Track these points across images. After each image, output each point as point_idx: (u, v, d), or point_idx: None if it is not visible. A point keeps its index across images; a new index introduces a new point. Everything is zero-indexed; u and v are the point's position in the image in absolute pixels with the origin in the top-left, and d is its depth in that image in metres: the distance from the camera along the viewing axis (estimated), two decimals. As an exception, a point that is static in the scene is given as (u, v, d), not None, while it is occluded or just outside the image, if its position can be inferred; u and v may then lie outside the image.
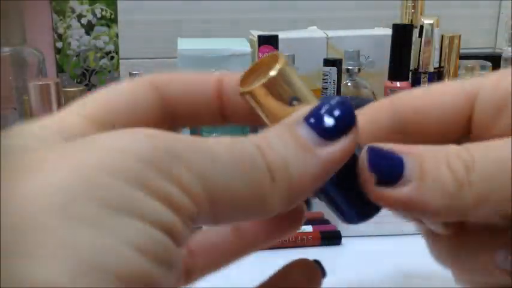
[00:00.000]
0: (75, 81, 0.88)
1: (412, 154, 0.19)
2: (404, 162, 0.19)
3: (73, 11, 0.90)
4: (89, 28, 0.91)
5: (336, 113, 0.18)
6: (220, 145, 0.16)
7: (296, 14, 1.01)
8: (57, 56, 0.90)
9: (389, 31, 0.74)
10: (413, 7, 0.77)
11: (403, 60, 0.73)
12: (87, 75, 0.89)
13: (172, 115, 0.22)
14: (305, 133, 0.18)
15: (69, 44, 0.90)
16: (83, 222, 0.13)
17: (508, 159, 0.18)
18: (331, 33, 0.75)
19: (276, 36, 0.66)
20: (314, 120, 0.18)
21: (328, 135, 0.18)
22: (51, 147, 0.16)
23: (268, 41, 0.65)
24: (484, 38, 1.10)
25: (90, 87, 0.88)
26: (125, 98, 0.21)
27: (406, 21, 0.77)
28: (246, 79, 0.21)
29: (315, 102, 0.19)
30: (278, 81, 0.19)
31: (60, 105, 0.56)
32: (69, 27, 0.90)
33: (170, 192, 0.15)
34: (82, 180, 0.14)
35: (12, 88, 0.74)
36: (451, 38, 0.74)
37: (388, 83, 0.74)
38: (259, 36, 0.67)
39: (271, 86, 0.20)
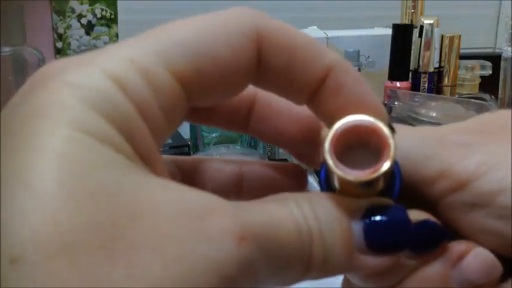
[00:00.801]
0: (75, 81, 0.89)
1: None
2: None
3: (73, 11, 0.90)
4: (89, 28, 0.91)
5: (393, 232, 0.17)
6: (290, 227, 0.16)
7: (296, 14, 1.01)
8: (57, 56, 0.90)
9: (389, 31, 0.74)
10: (414, 7, 0.77)
11: (403, 60, 0.73)
12: (87, 75, 0.89)
13: (262, 82, 0.18)
14: (355, 233, 0.17)
15: (69, 44, 0.90)
16: None
17: None
18: (331, 33, 0.75)
19: (276, 36, 0.66)
20: (369, 226, 0.17)
21: (376, 249, 0.17)
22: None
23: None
24: (484, 38, 1.10)
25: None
26: (219, 54, 0.16)
27: (406, 21, 0.77)
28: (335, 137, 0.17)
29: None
30: (375, 180, 0.17)
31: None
32: (69, 27, 0.90)
33: None
34: None
35: (13, 88, 0.74)
36: (451, 38, 0.74)
37: (388, 83, 0.74)
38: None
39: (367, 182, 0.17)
